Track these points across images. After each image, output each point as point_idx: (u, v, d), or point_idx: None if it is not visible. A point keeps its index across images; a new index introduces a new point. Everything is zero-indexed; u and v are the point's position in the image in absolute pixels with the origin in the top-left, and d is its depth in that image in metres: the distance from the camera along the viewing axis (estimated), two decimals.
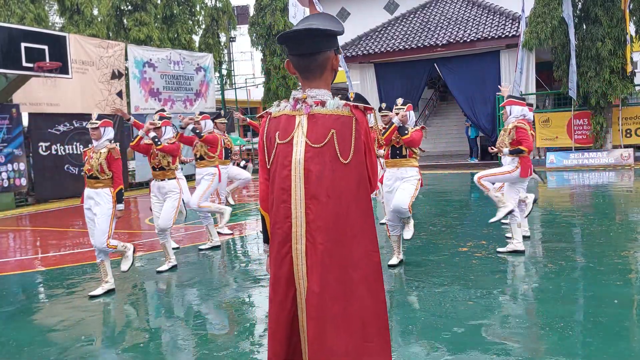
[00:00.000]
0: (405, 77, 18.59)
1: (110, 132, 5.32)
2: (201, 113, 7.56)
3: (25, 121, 13.74)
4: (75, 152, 14.74)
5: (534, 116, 12.90)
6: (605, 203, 9.54)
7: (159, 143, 5.99)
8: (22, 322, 4.74)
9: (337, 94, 2.40)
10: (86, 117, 14.99)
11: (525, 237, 6.37)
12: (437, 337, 3.82)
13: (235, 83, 26.20)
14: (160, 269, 6.10)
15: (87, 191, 5.54)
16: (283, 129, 2.29)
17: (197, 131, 7.12)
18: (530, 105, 6.42)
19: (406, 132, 5.45)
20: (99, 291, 5.28)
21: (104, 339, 4.22)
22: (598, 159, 15.32)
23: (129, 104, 16.47)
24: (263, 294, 5.09)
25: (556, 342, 3.62)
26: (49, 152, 14.09)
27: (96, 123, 5.19)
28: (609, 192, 10.93)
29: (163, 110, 6.60)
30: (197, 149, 7.37)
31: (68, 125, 14.56)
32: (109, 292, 5.33)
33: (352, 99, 4.23)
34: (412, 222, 5.63)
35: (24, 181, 13.22)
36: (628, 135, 15.77)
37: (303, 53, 2.25)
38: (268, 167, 2.35)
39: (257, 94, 28.28)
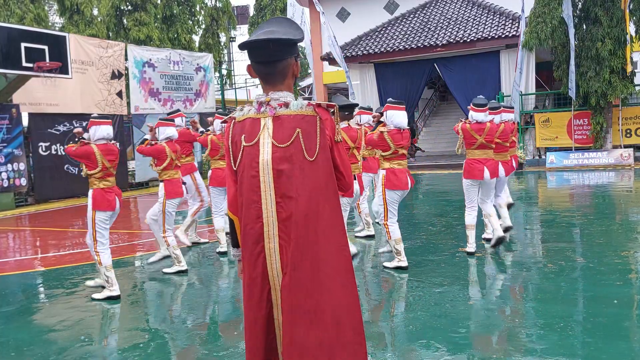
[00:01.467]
0: (405, 77, 18.58)
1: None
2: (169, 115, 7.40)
3: (25, 121, 13.73)
4: None
5: (533, 116, 12.92)
6: (605, 203, 9.54)
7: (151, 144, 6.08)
8: (22, 322, 4.74)
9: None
10: (86, 117, 15.00)
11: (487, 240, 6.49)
12: (437, 337, 3.82)
13: (235, 83, 26.22)
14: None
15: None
16: (248, 132, 2.35)
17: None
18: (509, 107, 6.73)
19: None
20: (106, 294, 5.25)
21: (104, 339, 4.22)
22: (598, 159, 15.31)
23: (128, 104, 16.46)
24: None
25: (556, 342, 3.62)
26: (48, 152, 14.08)
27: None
28: (609, 192, 10.93)
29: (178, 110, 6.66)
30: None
31: (68, 125, 14.55)
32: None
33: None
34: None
35: (23, 181, 13.22)
36: (628, 135, 15.77)
37: (264, 61, 2.32)
38: (235, 169, 2.39)
39: (257, 94, 28.29)
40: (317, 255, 2.27)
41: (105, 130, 5.20)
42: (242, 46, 2.33)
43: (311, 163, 2.28)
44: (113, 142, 5.49)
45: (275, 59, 2.31)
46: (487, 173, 6.03)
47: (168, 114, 6.61)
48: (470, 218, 6.14)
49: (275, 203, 2.29)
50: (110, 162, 5.19)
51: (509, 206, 7.26)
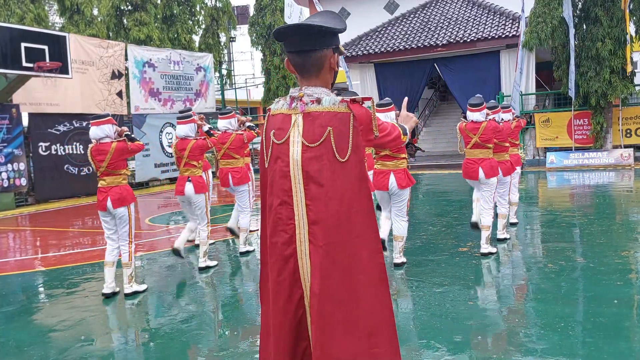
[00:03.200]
0: (405, 77, 18.58)
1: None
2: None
3: (25, 121, 13.73)
4: (75, 152, 14.73)
5: (533, 116, 12.95)
6: (605, 203, 9.54)
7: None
8: (22, 322, 4.74)
9: (344, 91, 2.36)
10: (86, 117, 15.00)
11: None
12: (437, 337, 3.82)
13: (235, 83, 26.21)
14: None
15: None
16: (279, 128, 2.24)
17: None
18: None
19: None
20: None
21: (104, 339, 4.22)
22: (598, 159, 15.31)
23: (129, 104, 16.47)
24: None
25: (556, 342, 3.61)
26: (48, 152, 14.08)
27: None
28: (609, 192, 10.93)
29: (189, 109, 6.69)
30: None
31: (68, 125, 14.56)
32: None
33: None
34: None
35: (24, 181, 13.22)
36: (628, 135, 15.77)
37: (298, 50, 2.19)
38: (266, 166, 2.29)
39: (257, 94, 28.30)
40: (349, 262, 2.14)
41: (93, 132, 5.14)
42: (275, 34, 2.20)
43: (342, 164, 2.15)
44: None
45: (308, 49, 2.17)
46: (481, 173, 6.00)
47: (221, 114, 6.80)
48: (476, 193, 6.44)
49: (305, 205, 2.17)
50: (100, 162, 5.12)
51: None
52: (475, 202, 6.38)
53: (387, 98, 5.90)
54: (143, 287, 5.41)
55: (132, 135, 5.40)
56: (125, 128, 5.49)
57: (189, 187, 6.03)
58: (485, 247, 5.97)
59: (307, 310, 2.20)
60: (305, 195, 2.17)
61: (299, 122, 2.19)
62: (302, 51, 2.18)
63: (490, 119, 6.08)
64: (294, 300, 2.20)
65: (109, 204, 5.13)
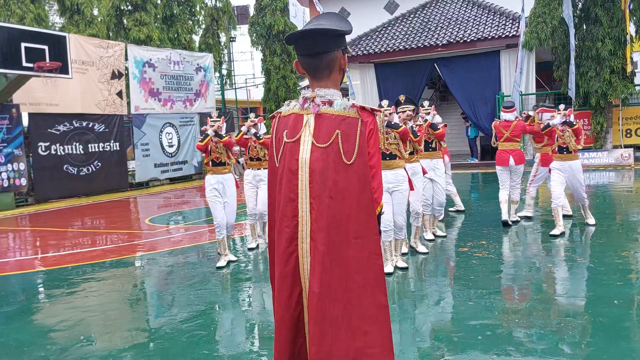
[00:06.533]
0: (406, 77, 18.58)
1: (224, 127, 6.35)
2: (257, 116, 7.08)
3: (25, 121, 13.73)
4: (75, 152, 14.74)
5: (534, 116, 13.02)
6: (605, 203, 9.54)
7: (260, 138, 6.66)
8: (22, 322, 4.74)
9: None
10: (86, 117, 15.01)
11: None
12: (437, 337, 3.82)
13: (235, 83, 26.20)
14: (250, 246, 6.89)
15: (217, 177, 6.22)
16: (291, 127, 2.31)
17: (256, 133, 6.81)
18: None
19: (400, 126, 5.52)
20: (221, 263, 6.12)
21: (104, 339, 4.22)
22: (598, 159, 15.31)
23: (129, 104, 16.47)
24: (263, 294, 5.09)
25: (556, 342, 3.61)
26: (48, 152, 14.08)
27: (218, 120, 6.20)
28: (609, 192, 10.93)
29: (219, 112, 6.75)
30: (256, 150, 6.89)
31: (68, 125, 14.55)
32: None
33: (402, 101, 4.32)
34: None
35: (24, 181, 13.22)
36: (628, 135, 15.77)
37: (310, 53, 2.26)
38: (277, 165, 2.35)
39: (257, 94, 28.28)
40: (347, 262, 2.20)
41: None
42: (288, 39, 2.27)
43: (348, 166, 2.21)
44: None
45: (321, 51, 2.24)
46: (512, 160, 7.38)
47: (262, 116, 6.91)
48: (502, 195, 7.45)
49: (309, 204, 2.23)
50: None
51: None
52: (504, 203, 7.40)
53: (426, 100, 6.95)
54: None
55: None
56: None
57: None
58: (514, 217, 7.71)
59: (305, 307, 2.26)
60: (310, 194, 2.23)
61: (311, 123, 2.28)
62: (315, 54, 2.25)
63: (519, 119, 7.53)
64: (294, 297, 2.27)
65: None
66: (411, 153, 6.19)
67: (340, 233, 2.20)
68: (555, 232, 6.70)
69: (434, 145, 6.88)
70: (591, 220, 7.21)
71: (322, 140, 2.24)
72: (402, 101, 6.20)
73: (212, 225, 7.70)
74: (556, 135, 6.89)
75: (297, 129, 2.29)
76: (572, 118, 6.92)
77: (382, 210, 2.52)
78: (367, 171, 2.25)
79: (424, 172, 6.34)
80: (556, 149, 6.94)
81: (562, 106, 7.14)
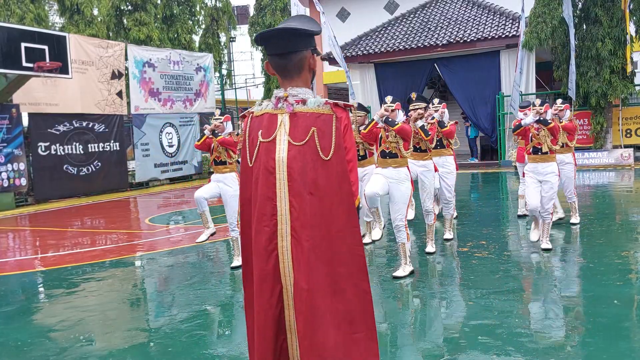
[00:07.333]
0: (405, 77, 18.57)
1: (230, 126, 6.20)
2: (222, 113, 6.58)
3: (25, 121, 13.73)
4: (74, 152, 14.73)
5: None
6: (605, 203, 9.53)
7: (218, 135, 6.23)
8: (22, 322, 4.74)
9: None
10: (86, 117, 15.00)
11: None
12: (437, 337, 3.82)
13: (235, 83, 26.22)
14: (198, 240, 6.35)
15: (217, 176, 6.14)
16: (266, 127, 2.34)
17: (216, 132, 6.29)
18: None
19: (396, 123, 5.32)
20: (202, 237, 6.13)
21: (104, 338, 4.22)
22: (598, 159, 15.30)
23: (129, 104, 16.47)
24: None
25: (556, 342, 3.61)
26: (48, 152, 14.08)
27: (220, 118, 6.07)
28: (609, 192, 10.93)
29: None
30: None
31: (68, 125, 14.55)
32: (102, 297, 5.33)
33: (414, 99, 4.80)
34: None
35: (23, 181, 13.22)
36: (628, 135, 15.77)
37: (280, 53, 2.31)
38: (250, 165, 2.38)
39: (257, 94, 28.31)
40: (331, 256, 2.26)
41: None
42: (257, 39, 2.32)
43: (325, 162, 2.27)
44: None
45: (290, 50, 2.29)
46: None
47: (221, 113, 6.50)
48: (521, 189, 7.65)
49: (288, 202, 2.27)
50: None
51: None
52: (521, 199, 7.71)
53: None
54: None
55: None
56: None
57: None
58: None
59: (287, 304, 2.31)
60: (289, 192, 2.28)
61: (286, 122, 2.32)
62: (284, 53, 2.30)
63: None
64: (275, 295, 2.31)
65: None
66: (424, 151, 6.18)
67: (323, 228, 2.26)
68: (545, 245, 6.00)
69: (443, 143, 6.88)
70: (546, 244, 6.02)
71: (299, 138, 2.28)
72: (414, 99, 6.14)
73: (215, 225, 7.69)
74: (530, 135, 6.07)
75: (272, 129, 2.32)
76: (549, 115, 6.26)
77: (360, 205, 2.55)
78: (344, 166, 2.32)
79: (435, 170, 6.32)
80: (530, 149, 6.07)
81: (559, 101, 6.99)
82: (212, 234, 6.27)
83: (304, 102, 2.31)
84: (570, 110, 7.49)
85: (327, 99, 2.35)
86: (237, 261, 6.02)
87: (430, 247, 6.20)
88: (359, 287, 2.31)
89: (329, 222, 2.26)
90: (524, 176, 6.29)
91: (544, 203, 5.99)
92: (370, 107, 18.17)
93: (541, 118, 5.87)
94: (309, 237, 2.24)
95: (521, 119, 6.44)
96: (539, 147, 5.97)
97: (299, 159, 2.26)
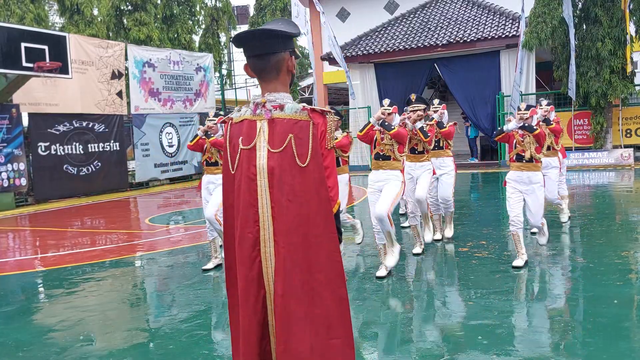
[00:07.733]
0: (405, 77, 18.57)
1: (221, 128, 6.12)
2: (216, 114, 6.39)
3: (25, 121, 13.73)
4: (74, 152, 14.73)
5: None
6: (605, 203, 9.54)
7: (211, 136, 6.18)
8: (22, 322, 4.74)
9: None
10: (86, 117, 15.00)
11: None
12: (437, 337, 3.82)
13: (235, 83, 26.22)
14: (205, 267, 6.12)
15: (208, 177, 6.12)
16: (246, 134, 2.34)
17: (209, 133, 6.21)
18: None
19: (392, 127, 5.34)
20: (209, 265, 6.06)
21: (104, 338, 4.22)
22: (598, 159, 15.31)
23: (129, 104, 16.47)
24: None
25: (556, 342, 3.61)
26: (48, 152, 14.08)
27: (214, 119, 6.00)
28: (609, 192, 10.93)
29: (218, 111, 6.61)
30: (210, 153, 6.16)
31: (68, 125, 14.55)
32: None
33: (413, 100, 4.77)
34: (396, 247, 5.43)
35: (23, 181, 13.22)
36: (628, 135, 15.77)
37: (257, 54, 2.32)
38: (232, 172, 2.38)
39: (257, 94, 28.23)
40: (308, 262, 2.27)
41: None
42: (234, 40, 2.34)
43: (303, 169, 2.28)
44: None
45: (267, 52, 2.30)
46: None
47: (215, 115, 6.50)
48: None
49: (270, 208, 2.29)
50: None
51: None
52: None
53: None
54: None
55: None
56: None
57: None
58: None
59: (269, 309, 2.33)
60: (271, 199, 2.29)
61: (265, 129, 2.33)
62: (262, 55, 2.31)
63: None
64: (259, 300, 2.33)
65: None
66: (421, 152, 6.20)
67: (301, 235, 2.26)
68: (517, 263, 5.47)
69: (441, 144, 6.82)
70: (542, 238, 5.99)
71: (277, 145, 2.29)
72: (413, 100, 6.15)
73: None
74: (514, 142, 5.59)
75: (251, 136, 2.33)
76: (534, 121, 5.81)
77: (340, 209, 2.55)
78: (322, 173, 2.32)
79: (433, 173, 6.32)
80: (514, 157, 5.60)
81: (544, 102, 6.81)
82: (218, 265, 6.18)
83: (281, 107, 2.31)
84: (555, 112, 7.40)
85: (304, 104, 2.35)
86: (212, 264, 6.07)
87: (417, 249, 6.21)
88: (337, 294, 2.32)
89: (307, 228, 2.27)
90: (504, 185, 5.76)
91: (535, 221, 5.72)
92: (370, 107, 18.24)
93: (526, 124, 5.47)
94: (285, 244, 2.26)
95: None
96: (523, 154, 5.53)
97: (277, 166, 2.28)
